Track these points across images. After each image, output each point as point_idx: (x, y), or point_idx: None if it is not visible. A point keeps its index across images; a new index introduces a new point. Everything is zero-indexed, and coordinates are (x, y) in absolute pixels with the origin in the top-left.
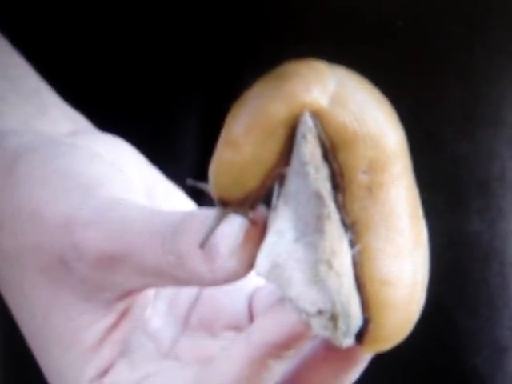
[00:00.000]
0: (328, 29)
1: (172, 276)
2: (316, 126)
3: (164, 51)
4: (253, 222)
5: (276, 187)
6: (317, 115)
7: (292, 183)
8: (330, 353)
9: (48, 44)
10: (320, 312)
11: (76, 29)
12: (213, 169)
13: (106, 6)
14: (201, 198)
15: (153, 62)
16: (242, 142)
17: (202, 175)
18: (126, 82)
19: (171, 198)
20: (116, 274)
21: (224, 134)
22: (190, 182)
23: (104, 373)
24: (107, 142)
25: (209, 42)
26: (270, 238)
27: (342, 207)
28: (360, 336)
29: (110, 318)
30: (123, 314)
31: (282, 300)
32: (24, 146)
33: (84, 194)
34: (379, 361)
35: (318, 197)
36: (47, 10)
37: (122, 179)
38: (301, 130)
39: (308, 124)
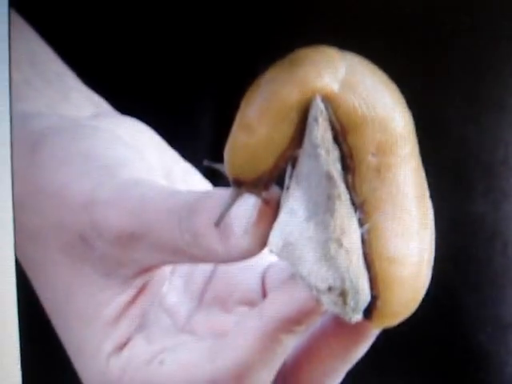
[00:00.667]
0: (338, 19)
1: (188, 253)
2: (327, 109)
3: (180, 42)
4: (266, 202)
5: (288, 168)
6: (328, 99)
7: (304, 164)
8: (340, 328)
9: (71, 33)
10: (330, 288)
11: (97, 21)
12: (228, 150)
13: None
14: (217, 178)
15: (171, 50)
16: (255, 125)
17: (218, 157)
18: (145, 69)
19: (188, 179)
20: (134, 251)
21: (239, 118)
22: (206, 162)
23: (122, 346)
24: (128, 124)
25: (225, 34)
26: (283, 217)
27: (351, 188)
28: (368, 312)
29: (129, 294)
30: (141, 290)
31: (294, 277)
32: (48, 128)
33: (105, 175)
34: (387, 336)
35: (329, 178)
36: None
37: (142, 160)
38: (312, 113)
39: (319, 108)
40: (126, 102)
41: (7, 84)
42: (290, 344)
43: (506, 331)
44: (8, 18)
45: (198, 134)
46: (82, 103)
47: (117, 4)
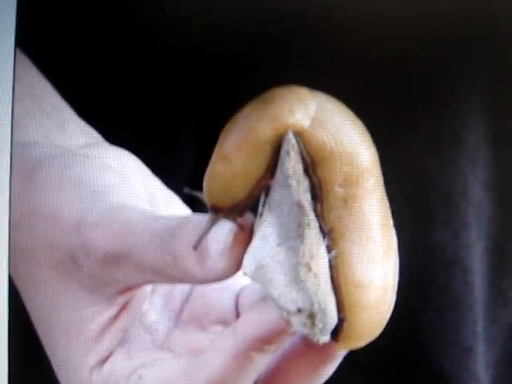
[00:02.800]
0: (312, 60)
1: (168, 274)
2: (298, 143)
3: (164, 79)
4: (241, 228)
5: (262, 197)
6: (299, 134)
7: (276, 194)
8: (308, 348)
9: (66, 69)
10: (299, 310)
11: (89, 60)
12: (206, 179)
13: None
14: (196, 204)
15: (156, 87)
16: (232, 157)
17: (198, 185)
18: (132, 104)
19: (170, 205)
20: (119, 271)
21: (217, 150)
22: (186, 190)
23: (104, 360)
24: (116, 154)
25: (206, 72)
26: (256, 242)
27: (320, 216)
28: (336, 333)
29: (112, 310)
30: (124, 307)
31: (266, 298)
32: (44, 156)
33: (94, 199)
34: (352, 358)
35: (299, 206)
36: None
37: (128, 187)
38: (285, 147)
39: (291, 142)
40: (115, 133)
41: (10, 116)
42: (262, 362)
43: (468, 355)
44: (14, 57)
45: (180, 164)
46: (76, 134)
47: (106, 48)
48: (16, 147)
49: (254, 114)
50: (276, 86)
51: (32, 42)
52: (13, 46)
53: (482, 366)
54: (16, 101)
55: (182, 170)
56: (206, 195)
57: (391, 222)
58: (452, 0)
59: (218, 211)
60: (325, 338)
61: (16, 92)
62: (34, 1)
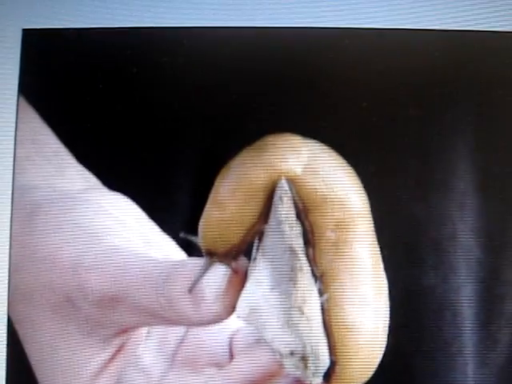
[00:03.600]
0: (301, 111)
1: (163, 316)
2: (291, 190)
3: (161, 130)
4: (235, 272)
5: (256, 242)
6: (292, 181)
7: (270, 239)
8: None
9: (65, 116)
10: (292, 353)
11: (85, 108)
12: (202, 224)
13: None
14: (191, 249)
15: (152, 134)
16: (227, 203)
17: (193, 230)
18: (128, 150)
19: (165, 248)
20: (115, 313)
21: (212, 196)
22: (182, 234)
23: None
24: (113, 198)
25: (201, 120)
26: (250, 286)
27: (312, 260)
28: (328, 376)
29: (108, 352)
30: (119, 350)
31: (259, 341)
32: (43, 199)
33: (91, 242)
34: None
35: (292, 251)
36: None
37: (124, 230)
38: (278, 193)
39: (284, 188)
40: (113, 178)
41: (12, 159)
42: None
43: None
44: (17, 103)
45: (176, 209)
46: (75, 178)
47: (105, 97)
48: (16, 190)
49: (248, 161)
50: (269, 133)
51: (35, 89)
52: (16, 92)
53: None
54: (18, 145)
55: (177, 215)
56: (201, 240)
57: (382, 265)
58: (439, 52)
59: (213, 255)
60: (317, 380)
61: (18, 137)
62: (37, 50)
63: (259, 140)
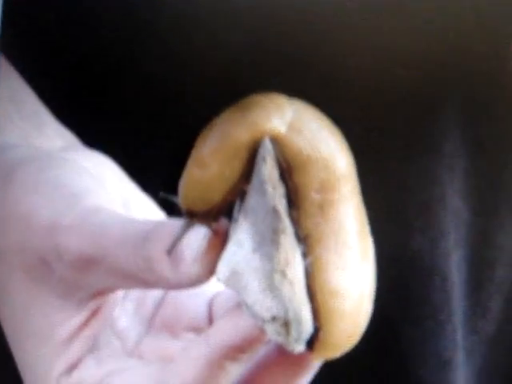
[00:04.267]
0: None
1: (141, 279)
2: (274, 149)
3: (143, 85)
4: (215, 233)
5: (237, 202)
6: (275, 140)
7: (252, 199)
8: (283, 357)
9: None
10: (274, 318)
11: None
12: (182, 184)
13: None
14: (171, 209)
15: (134, 92)
16: (208, 162)
17: (174, 189)
18: (110, 108)
19: (145, 209)
20: (91, 275)
21: (193, 154)
22: (162, 194)
23: (73, 367)
24: (93, 157)
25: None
26: (230, 248)
27: (296, 222)
28: (311, 343)
29: (83, 316)
30: (94, 313)
31: (240, 305)
32: (22, 158)
33: (69, 202)
34: (328, 369)
35: (275, 212)
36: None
37: (103, 190)
38: (261, 152)
39: (267, 148)
40: (92, 137)
41: None
42: (235, 372)
43: (446, 366)
44: None
45: (156, 168)
46: (54, 137)
47: (85, 54)
48: None
49: (232, 119)
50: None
51: (13, 47)
52: None
53: (461, 377)
54: None
55: (158, 175)
56: (181, 199)
57: (368, 229)
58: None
59: (193, 216)
60: (300, 347)
61: None
62: (16, 8)
63: (243, 99)
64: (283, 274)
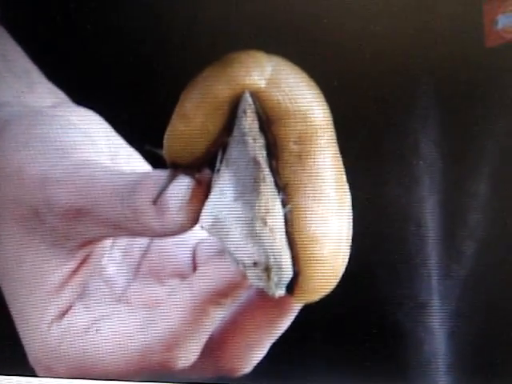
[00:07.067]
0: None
1: (128, 228)
2: (254, 103)
3: (128, 45)
4: (198, 182)
5: (219, 153)
6: (255, 94)
7: (233, 150)
8: (264, 302)
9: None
10: (255, 264)
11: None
12: (167, 137)
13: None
14: (156, 161)
15: (120, 50)
16: (192, 116)
17: (159, 142)
18: (97, 65)
19: (131, 161)
20: (80, 225)
21: (177, 109)
22: (147, 147)
23: (64, 313)
24: (81, 113)
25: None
26: (213, 197)
27: (275, 172)
28: (291, 287)
29: (72, 264)
30: (84, 261)
31: (222, 252)
32: (13, 115)
33: (58, 156)
34: (307, 312)
35: (255, 162)
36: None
37: (92, 144)
38: (241, 106)
39: (248, 101)
40: (80, 93)
41: None
42: (218, 316)
43: (422, 310)
44: None
45: (141, 123)
46: (44, 95)
47: (75, 13)
48: None
49: (213, 75)
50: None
51: (4, 6)
52: None
53: (436, 320)
54: None
55: (143, 129)
56: (166, 152)
57: (345, 177)
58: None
59: (178, 167)
60: (280, 291)
61: None
62: None
63: (224, 55)
64: (264, 220)
